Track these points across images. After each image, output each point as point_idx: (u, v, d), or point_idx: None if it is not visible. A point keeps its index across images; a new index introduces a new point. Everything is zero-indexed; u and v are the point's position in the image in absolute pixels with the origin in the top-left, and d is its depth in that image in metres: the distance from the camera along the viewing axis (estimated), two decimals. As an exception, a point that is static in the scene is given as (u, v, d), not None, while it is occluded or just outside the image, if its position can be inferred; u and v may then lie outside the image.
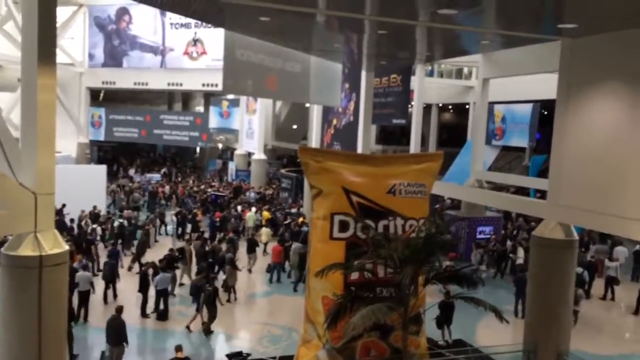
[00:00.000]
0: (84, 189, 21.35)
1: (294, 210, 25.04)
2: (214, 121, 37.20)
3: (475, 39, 11.50)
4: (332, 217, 9.29)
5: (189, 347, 11.71)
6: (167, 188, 30.65)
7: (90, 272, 14.64)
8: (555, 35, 9.80)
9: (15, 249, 7.28)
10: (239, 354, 11.03)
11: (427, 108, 31.56)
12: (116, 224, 20.11)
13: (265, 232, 20.54)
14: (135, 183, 32.65)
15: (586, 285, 15.93)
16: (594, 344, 12.93)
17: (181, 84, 35.21)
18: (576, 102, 9.65)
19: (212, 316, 13.00)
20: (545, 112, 26.42)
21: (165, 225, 22.91)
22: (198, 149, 46.23)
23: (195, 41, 33.49)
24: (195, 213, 23.00)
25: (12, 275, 7.37)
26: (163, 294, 13.80)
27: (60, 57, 30.32)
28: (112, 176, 33.64)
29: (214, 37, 30.26)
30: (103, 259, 16.40)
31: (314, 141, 25.72)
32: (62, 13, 31.97)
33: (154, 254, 17.10)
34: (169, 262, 15.20)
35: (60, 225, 18.31)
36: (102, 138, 37.65)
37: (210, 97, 39.71)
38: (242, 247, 18.63)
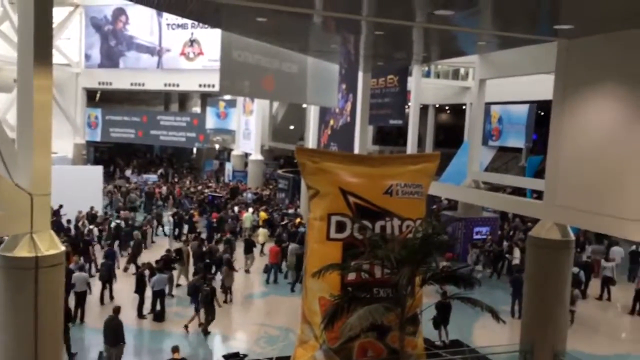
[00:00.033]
0: (80, 189, 21.28)
1: (291, 211, 25.04)
2: (210, 122, 37.15)
3: (472, 40, 11.52)
4: (329, 218, 9.29)
5: (185, 348, 11.69)
6: (164, 189, 30.58)
7: (86, 273, 14.61)
8: (551, 36, 9.83)
9: (11, 250, 7.26)
10: (236, 354, 11.02)
11: (424, 109, 31.68)
12: (113, 224, 20.08)
13: (262, 232, 20.53)
14: (132, 184, 32.60)
15: (582, 285, 15.95)
16: (591, 344, 12.95)
17: (178, 85, 35.18)
18: (572, 103, 9.68)
19: (211, 316, 12.99)
20: (542, 113, 26.51)
21: (162, 226, 22.89)
22: (195, 150, 46.17)
23: (192, 42, 33.48)
24: (192, 214, 22.97)
25: (8, 277, 7.36)
26: (160, 295, 13.78)
27: (57, 58, 30.35)
28: (108, 177, 33.58)
29: (211, 38, 30.24)
30: (100, 260, 16.37)
31: (311, 142, 25.74)
32: (58, 13, 31.93)
33: (151, 255, 17.07)
34: (166, 263, 15.18)
35: (58, 226, 18.30)
36: (98, 139, 37.58)
37: (207, 98, 39.67)
38: (240, 247, 18.62)
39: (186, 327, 13.14)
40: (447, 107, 39.15)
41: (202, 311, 13.10)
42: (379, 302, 8.30)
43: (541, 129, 24.58)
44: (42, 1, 7.17)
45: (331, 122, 20.33)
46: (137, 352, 12.37)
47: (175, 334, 13.00)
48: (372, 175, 9.58)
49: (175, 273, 15.81)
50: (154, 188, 30.25)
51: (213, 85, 31.12)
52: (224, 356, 10.99)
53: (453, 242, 19.06)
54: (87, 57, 36.10)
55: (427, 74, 30.67)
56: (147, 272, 14.23)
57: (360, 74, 16.46)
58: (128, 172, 38.55)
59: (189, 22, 31.18)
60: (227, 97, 35.32)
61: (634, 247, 18.28)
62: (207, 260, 16.40)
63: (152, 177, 36.20)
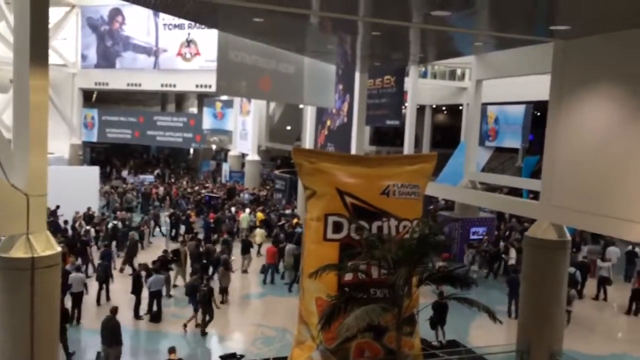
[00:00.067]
0: (77, 190, 21.24)
1: (288, 212, 25.01)
2: (207, 122, 37.12)
3: (469, 40, 11.54)
4: (326, 218, 9.30)
5: (182, 349, 11.66)
6: (160, 189, 30.55)
7: (83, 274, 14.59)
8: (547, 37, 9.86)
9: (7, 250, 7.24)
10: (233, 355, 11.01)
11: (421, 109, 31.66)
12: (110, 225, 20.04)
13: (259, 233, 20.50)
14: (128, 184, 32.54)
15: (579, 285, 16.01)
16: (587, 344, 12.98)
17: (174, 85, 35.13)
18: (568, 104, 9.71)
19: (209, 317, 12.98)
20: (538, 114, 26.56)
21: (160, 227, 22.86)
22: (192, 150, 46.11)
23: (189, 42, 33.42)
24: (189, 214, 22.94)
25: (4, 277, 7.33)
26: (156, 296, 13.75)
27: (53, 58, 30.22)
28: (105, 177, 33.51)
29: (208, 38, 30.19)
30: (97, 260, 16.34)
31: (308, 142, 25.74)
32: (54, 14, 31.80)
33: (148, 256, 17.03)
34: (163, 264, 15.15)
35: (55, 226, 18.28)
36: (95, 139, 37.49)
37: (203, 98, 39.64)
38: (237, 248, 18.60)
39: (185, 326, 13.15)
40: (443, 108, 39.19)
41: (200, 311, 13.09)
42: (375, 303, 8.31)
43: (537, 130, 24.55)
44: (38, 1, 7.14)
45: (328, 123, 20.35)
46: (134, 353, 12.33)
47: (172, 334, 12.98)
48: (369, 175, 9.60)
49: (172, 274, 15.79)
50: (151, 189, 30.21)
51: (210, 86, 31.10)
52: (220, 357, 10.97)
53: (450, 243, 19.10)
54: (84, 57, 36.00)
55: (424, 75, 30.71)
56: (143, 273, 14.22)
57: (357, 75, 16.48)
58: (125, 173, 38.49)
59: (185, 22, 31.11)
60: (224, 97, 35.25)
61: (630, 247, 18.32)
62: (205, 261, 16.40)
63: (149, 178, 36.14)
